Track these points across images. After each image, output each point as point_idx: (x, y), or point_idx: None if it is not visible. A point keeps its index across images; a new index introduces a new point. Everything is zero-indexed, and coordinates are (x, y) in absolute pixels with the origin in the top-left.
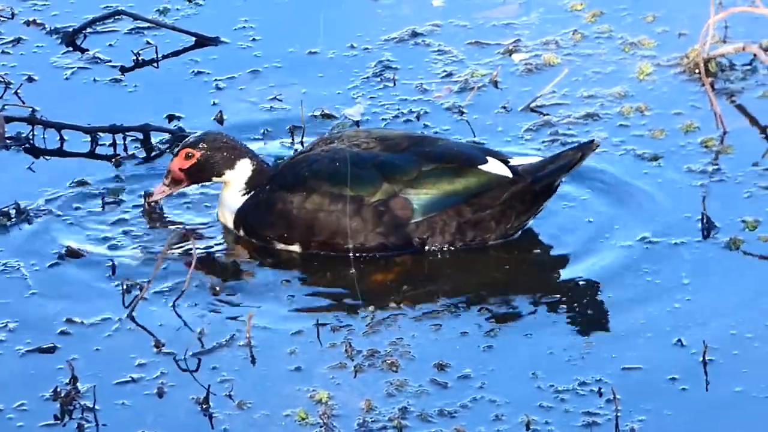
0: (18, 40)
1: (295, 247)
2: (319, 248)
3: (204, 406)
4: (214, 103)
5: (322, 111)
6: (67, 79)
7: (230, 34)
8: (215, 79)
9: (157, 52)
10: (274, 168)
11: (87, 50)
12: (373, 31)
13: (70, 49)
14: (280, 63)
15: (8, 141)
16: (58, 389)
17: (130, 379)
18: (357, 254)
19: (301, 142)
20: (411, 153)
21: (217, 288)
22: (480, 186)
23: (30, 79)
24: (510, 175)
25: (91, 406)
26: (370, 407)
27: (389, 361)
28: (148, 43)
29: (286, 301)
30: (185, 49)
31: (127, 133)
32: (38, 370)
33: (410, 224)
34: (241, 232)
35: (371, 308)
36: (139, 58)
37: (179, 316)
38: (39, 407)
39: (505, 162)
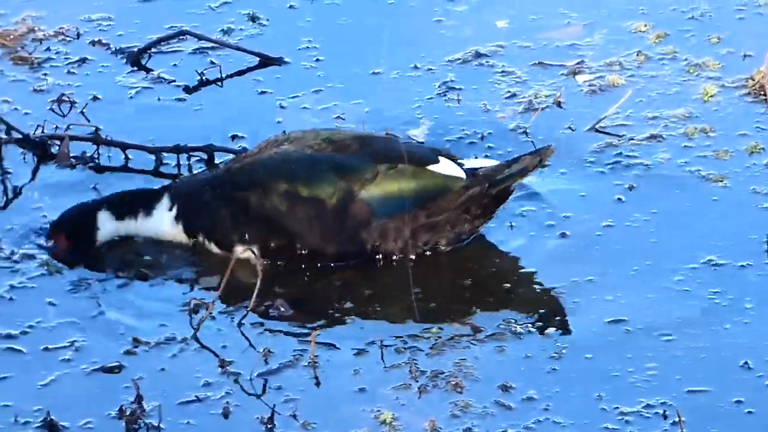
0: (83, 60)
1: (248, 254)
2: (276, 253)
3: (269, 426)
4: (278, 122)
5: (386, 131)
6: (131, 98)
7: (294, 53)
8: (279, 99)
9: (221, 72)
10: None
11: (151, 70)
12: (437, 52)
13: (135, 68)
14: (344, 83)
15: (73, 160)
16: (124, 408)
17: (195, 398)
18: (311, 262)
19: None
20: (364, 154)
21: (281, 308)
22: (436, 187)
23: (95, 99)
24: (463, 175)
25: (157, 425)
26: (434, 428)
27: (453, 382)
28: (212, 62)
29: (350, 321)
30: (249, 69)
31: (191, 153)
32: (104, 389)
33: (370, 227)
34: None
35: (435, 329)
36: (204, 78)
37: (244, 336)
38: (104, 426)
39: (457, 162)
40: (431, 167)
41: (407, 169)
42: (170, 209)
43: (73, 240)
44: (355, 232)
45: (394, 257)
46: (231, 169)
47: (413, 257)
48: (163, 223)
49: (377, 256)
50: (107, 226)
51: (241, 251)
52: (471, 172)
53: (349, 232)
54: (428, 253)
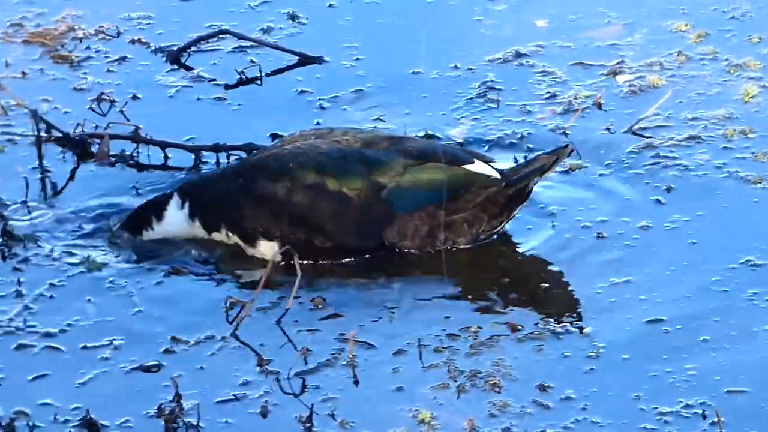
0: (123, 59)
1: (271, 247)
2: (297, 246)
3: (307, 425)
4: (317, 123)
5: (426, 132)
6: (171, 97)
7: (334, 53)
8: (318, 98)
9: (260, 71)
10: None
11: (191, 68)
12: (477, 52)
13: (175, 67)
14: (384, 83)
15: (112, 159)
16: (162, 407)
17: (233, 397)
18: (330, 257)
19: None
20: (391, 151)
21: (320, 305)
22: (458, 184)
23: (134, 98)
24: (498, 175)
25: (195, 423)
26: (472, 427)
27: (492, 382)
28: (251, 61)
29: (388, 320)
30: (289, 68)
31: (230, 152)
32: (143, 388)
33: (392, 224)
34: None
35: (473, 328)
36: (243, 77)
37: (283, 334)
38: (143, 424)
39: (490, 165)
40: (465, 167)
41: (432, 167)
42: (182, 207)
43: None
44: (376, 227)
45: (413, 252)
46: (250, 161)
47: (444, 253)
48: (176, 222)
49: (395, 251)
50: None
51: (275, 251)
52: (501, 171)
53: (370, 227)
54: (453, 248)
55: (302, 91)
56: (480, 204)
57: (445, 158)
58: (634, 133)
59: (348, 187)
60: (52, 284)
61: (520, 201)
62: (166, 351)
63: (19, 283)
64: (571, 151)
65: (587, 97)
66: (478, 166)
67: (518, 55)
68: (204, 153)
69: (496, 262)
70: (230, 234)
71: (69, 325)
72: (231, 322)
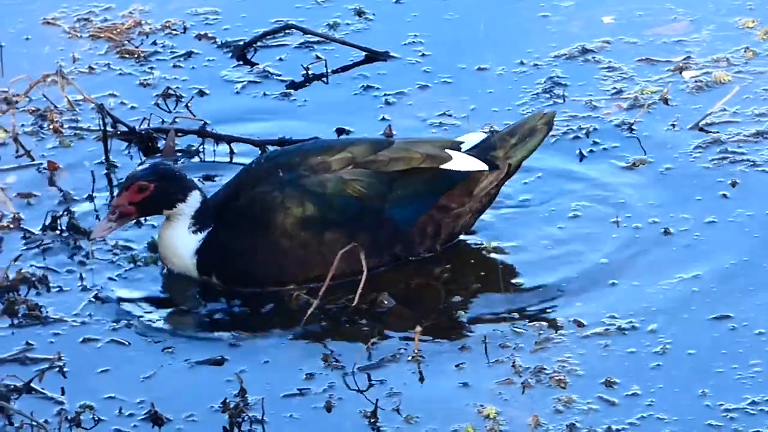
0: (189, 54)
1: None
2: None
3: (371, 420)
4: (383, 118)
5: (491, 127)
6: (237, 92)
7: (400, 48)
8: (384, 94)
9: (326, 67)
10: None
11: (257, 64)
12: (543, 47)
13: (241, 62)
14: (450, 78)
15: (178, 153)
16: (227, 401)
17: (297, 392)
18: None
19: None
20: (374, 170)
21: (385, 302)
22: (450, 183)
23: (201, 93)
24: (485, 167)
25: (260, 418)
26: (538, 423)
27: (557, 378)
28: (317, 57)
29: (453, 316)
30: (355, 64)
31: None
32: (207, 382)
33: (399, 238)
34: (213, 279)
35: (538, 324)
36: (309, 73)
37: (348, 330)
38: (208, 419)
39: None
40: (445, 165)
41: (420, 175)
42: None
43: (154, 198)
44: (386, 245)
45: (427, 255)
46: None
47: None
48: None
49: (409, 259)
50: (191, 202)
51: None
52: (490, 162)
53: (380, 248)
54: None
55: (368, 87)
56: (485, 191)
57: (427, 162)
58: (700, 129)
59: (348, 217)
60: (116, 277)
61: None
62: (231, 345)
63: (83, 277)
64: (554, 114)
65: (653, 92)
66: (458, 161)
67: (584, 50)
68: (270, 147)
69: (560, 258)
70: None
71: (133, 319)
72: (297, 317)
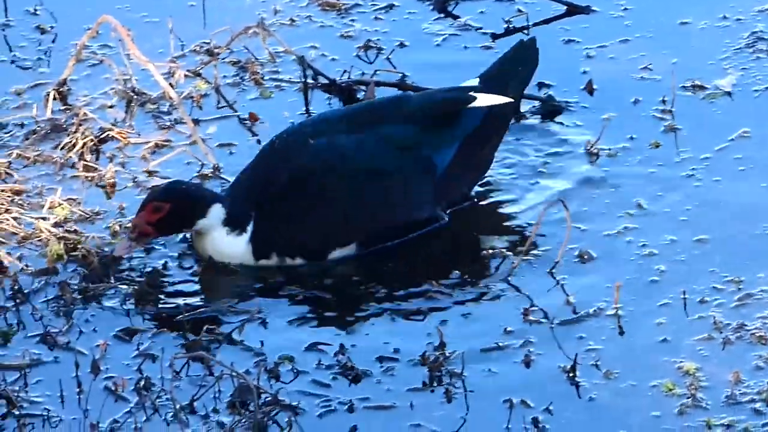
0: (390, 6)
1: (350, 249)
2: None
3: (570, 375)
4: (584, 72)
5: (693, 82)
6: (437, 45)
7: (601, 2)
8: (585, 48)
9: (527, 20)
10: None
11: (458, 17)
12: (746, 2)
13: (442, 15)
14: (652, 32)
15: None
16: (426, 354)
17: (496, 345)
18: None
19: (671, 111)
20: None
21: (585, 256)
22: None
23: (401, 45)
24: (509, 99)
25: (459, 372)
26: (738, 380)
27: (758, 335)
28: (519, 10)
29: (653, 271)
30: (556, 18)
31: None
32: (406, 334)
33: (436, 186)
34: (273, 259)
35: (738, 280)
36: (510, 26)
37: (550, 283)
38: (407, 372)
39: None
40: (473, 105)
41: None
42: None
43: (170, 218)
44: (427, 197)
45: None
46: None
47: None
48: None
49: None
50: (213, 215)
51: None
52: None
53: (419, 199)
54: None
55: (569, 41)
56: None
57: (446, 106)
58: None
59: (388, 169)
60: None
61: None
62: (429, 297)
63: None
64: (534, 39)
65: None
66: (483, 100)
67: None
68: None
69: (752, 214)
70: None
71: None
72: (498, 270)
